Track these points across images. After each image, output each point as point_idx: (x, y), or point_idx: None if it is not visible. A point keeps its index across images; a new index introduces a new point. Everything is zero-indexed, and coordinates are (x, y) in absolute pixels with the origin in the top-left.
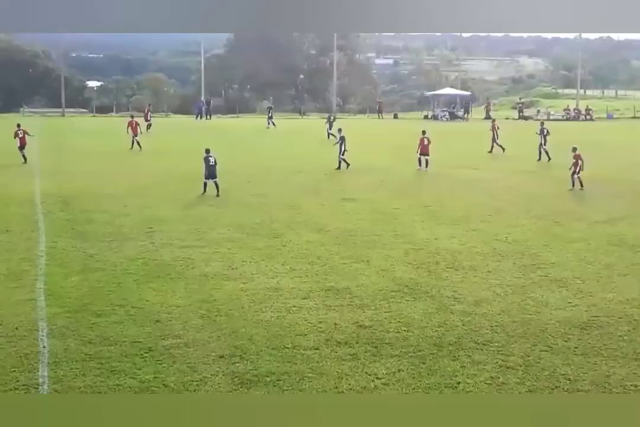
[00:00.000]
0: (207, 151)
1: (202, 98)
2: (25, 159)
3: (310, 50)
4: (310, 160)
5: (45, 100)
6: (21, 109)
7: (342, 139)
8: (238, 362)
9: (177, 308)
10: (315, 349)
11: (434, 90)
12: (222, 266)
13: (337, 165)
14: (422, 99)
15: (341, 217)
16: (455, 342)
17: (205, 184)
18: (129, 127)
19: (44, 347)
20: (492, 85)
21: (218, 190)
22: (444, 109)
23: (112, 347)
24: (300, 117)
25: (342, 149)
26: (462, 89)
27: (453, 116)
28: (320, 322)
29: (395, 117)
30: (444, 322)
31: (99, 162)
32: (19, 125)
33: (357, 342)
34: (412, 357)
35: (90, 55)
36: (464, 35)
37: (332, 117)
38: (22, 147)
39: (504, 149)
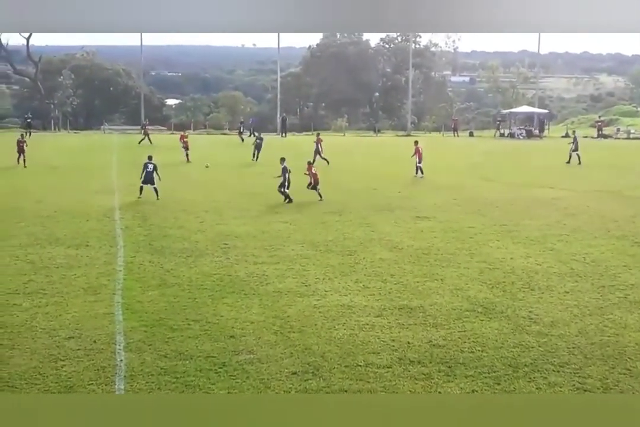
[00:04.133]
0: (149, 158)
1: (278, 116)
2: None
3: (385, 68)
4: (384, 178)
5: (125, 118)
6: (102, 127)
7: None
8: (311, 379)
9: (251, 324)
10: (388, 367)
11: (511, 108)
12: (296, 282)
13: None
14: (497, 117)
15: (415, 235)
16: (531, 364)
17: (141, 188)
18: (180, 141)
19: (121, 360)
20: (570, 103)
21: (157, 195)
22: (521, 126)
23: (187, 362)
24: (375, 135)
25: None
26: (539, 107)
27: (530, 134)
28: (393, 340)
29: (471, 135)
30: (520, 342)
31: (176, 179)
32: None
33: (430, 362)
34: (486, 378)
35: (169, 74)
36: (542, 52)
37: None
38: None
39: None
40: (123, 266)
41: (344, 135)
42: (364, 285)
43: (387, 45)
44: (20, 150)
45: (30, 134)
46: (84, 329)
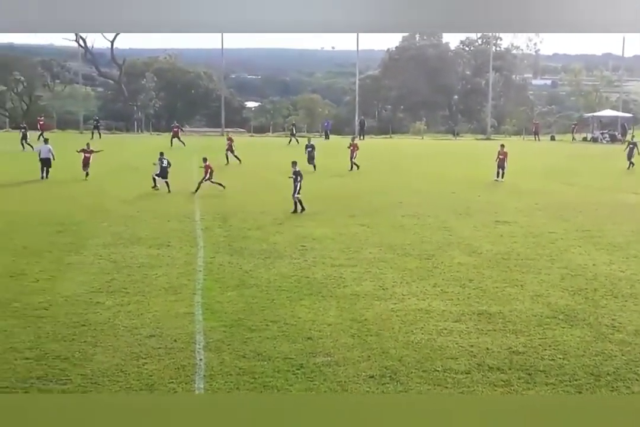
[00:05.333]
0: (161, 154)
1: (356, 118)
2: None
3: (465, 70)
4: (463, 182)
5: (205, 120)
6: (183, 129)
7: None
8: (388, 383)
9: (328, 326)
10: (467, 373)
11: (594, 112)
12: (373, 285)
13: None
14: (580, 120)
15: (494, 240)
16: (614, 373)
17: (154, 179)
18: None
19: (201, 360)
20: None
21: (169, 188)
22: (604, 131)
23: (265, 363)
24: (454, 138)
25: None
26: (623, 110)
27: (614, 138)
28: (471, 346)
29: (553, 139)
30: (602, 351)
31: (252, 181)
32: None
33: (509, 369)
34: (567, 386)
35: (249, 77)
36: (626, 55)
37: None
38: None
39: None
40: (203, 266)
41: (422, 138)
42: (442, 289)
43: (467, 48)
44: (86, 163)
45: (100, 135)
46: (164, 328)
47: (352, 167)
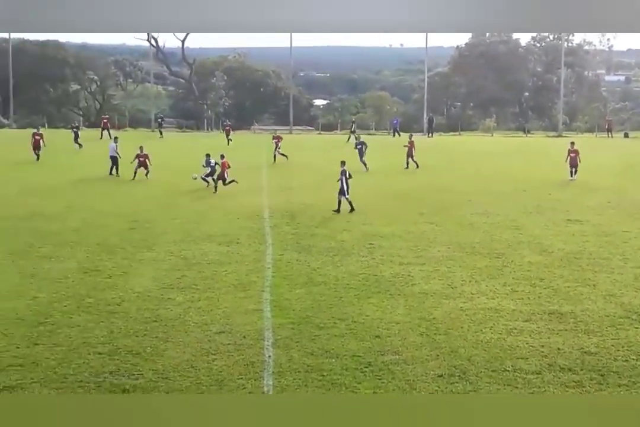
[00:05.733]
0: (207, 156)
1: (425, 115)
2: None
3: (536, 67)
4: (534, 180)
5: (274, 118)
6: (252, 127)
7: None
8: (457, 383)
9: (397, 324)
10: (537, 373)
11: None
12: (442, 284)
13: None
14: None
15: (566, 238)
16: None
17: (206, 180)
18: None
19: (269, 356)
20: None
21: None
22: None
23: (333, 360)
24: (524, 135)
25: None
26: None
27: None
28: (542, 346)
29: (626, 136)
30: None
31: (319, 179)
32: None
33: (581, 369)
34: None
35: (317, 75)
36: None
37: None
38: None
39: None
40: (271, 264)
41: (492, 135)
42: (512, 289)
43: (538, 44)
44: (143, 165)
45: (161, 134)
46: (234, 324)
47: (407, 165)
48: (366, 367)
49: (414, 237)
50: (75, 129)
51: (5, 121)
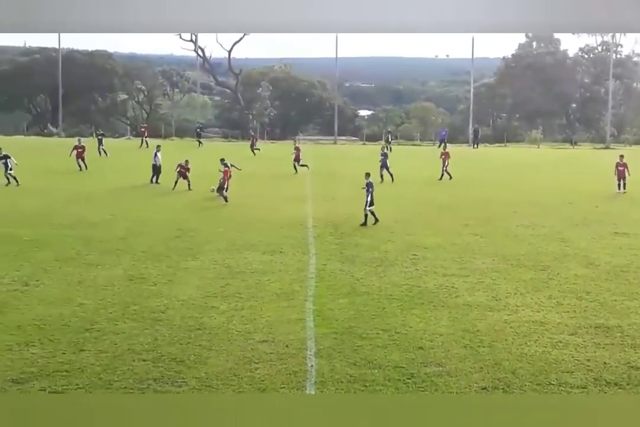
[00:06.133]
0: (222, 160)
1: (470, 126)
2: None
3: (584, 78)
4: (581, 192)
5: (319, 129)
6: (296, 137)
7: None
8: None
9: (440, 336)
10: (583, 387)
11: None
12: (486, 296)
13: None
14: None
15: (613, 251)
16: None
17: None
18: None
19: (312, 366)
20: None
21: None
22: None
23: (376, 371)
24: (571, 147)
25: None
26: None
27: None
28: (588, 360)
29: None
30: None
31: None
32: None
33: (628, 384)
34: None
35: (362, 85)
36: None
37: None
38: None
39: None
40: (315, 273)
41: (539, 147)
42: (557, 302)
43: (586, 55)
44: (183, 176)
45: (200, 144)
46: (277, 334)
47: (442, 176)
48: (409, 378)
49: (459, 248)
50: (99, 137)
51: (54, 130)
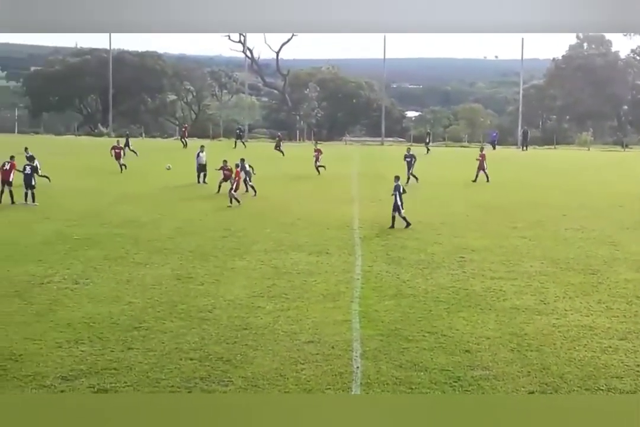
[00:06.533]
0: (242, 160)
1: (519, 128)
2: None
3: (635, 80)
4: (632, 195)
5: (365, 130)
6: (343, 138)
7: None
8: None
9: (487, 339)
10: (632, 393)
11: None
12: (534, 299)
13: None
14: None
15: None
16: None
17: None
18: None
19: (357, 367)
20: None
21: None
22: None
23: (422, 373)
24: (622, 149)
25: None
26: None
27: None
28: (638, 365)
29: None
30: None
31: (411, 191)
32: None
33: None
34: None
35: (410, 86)
36: None
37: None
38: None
39: None
40: (361, 275)
41: (589, 149)
42: (607, 306)
43: (638, 57)
44: (228, 179)
45: (244, 144)
46: (322, 335)
47: (476, 178)
48: (455, 381)
49: (506, 251)
50: (126, 137)
51: (104, 130)
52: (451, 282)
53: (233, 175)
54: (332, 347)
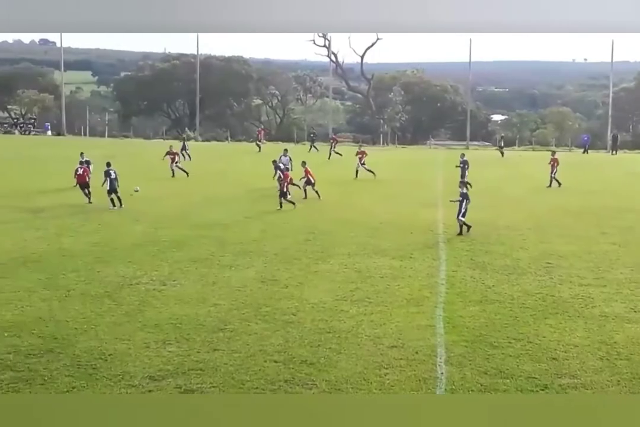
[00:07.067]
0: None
1: (609, 132)
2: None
3: None
4: None
5: (450, 133)
6: (427, 142)
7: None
8: None
9: (575, 347)
10: None
11: None
12: (624, 307)
13: None
14: None
15: None
16: None
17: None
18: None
19: (442, 373)
20: None
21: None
22: None
23: (508, 381)
24: None
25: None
26: None
27: None
28: None
29: None
30: None
31: (497, 196)
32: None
33: None
34: None
35: (496, 90)
36: None
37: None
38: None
39: None
40: (445, 280)
41: None
42: None
43: None
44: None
45: (316, 149)
46: (406, 340)
47: (550, 183)
48: (542, 389)
49: (595, 257)
50: (184, 141)
51: (191, 134)
52: (538, 289)
53: (285, 176)
54: (416, 353)
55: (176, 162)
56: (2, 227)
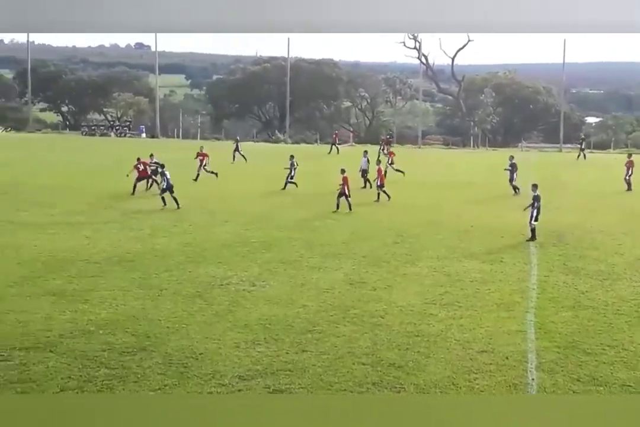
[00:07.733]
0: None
1: None
2: None
3: None
4: None
5: (543, 136)
6: (519, 144)
7: None
8: None
9: None
10: None
11: None
12: None
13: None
14: None
15: None
16: None
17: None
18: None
19: (533, 379)
20: None
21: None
22: None
23: (601, 388)
24: None
25: None
26: None
27: None
28: None
29: None
30: None
31: (592, 199)
32: None
33: None
34: None
35: (590, 91)
36: None
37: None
38: None
39: None
40: (536, 285)
41: None
42: None
43: None
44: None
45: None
46: (496, 345)
47: (629, 187)
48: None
49: None
50: (236, 142)
51: (281, 136)
52: (633, 295)
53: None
54: (506, 358)
55: (204, 165)
56: (99, 228)
